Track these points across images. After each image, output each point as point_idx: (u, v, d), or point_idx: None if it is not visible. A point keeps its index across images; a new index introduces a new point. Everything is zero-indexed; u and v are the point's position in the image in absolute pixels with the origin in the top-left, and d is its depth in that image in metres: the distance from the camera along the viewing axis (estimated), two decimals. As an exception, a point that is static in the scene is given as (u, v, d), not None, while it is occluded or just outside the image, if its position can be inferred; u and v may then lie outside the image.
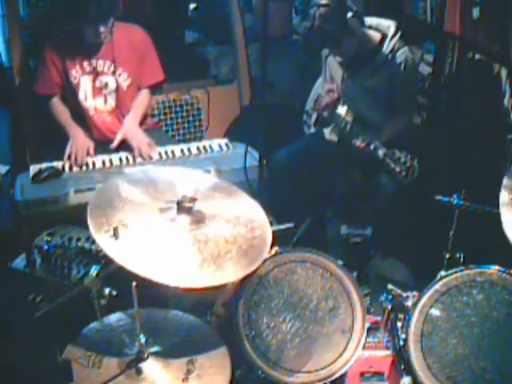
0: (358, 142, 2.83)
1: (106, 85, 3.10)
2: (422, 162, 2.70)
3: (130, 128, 3.11)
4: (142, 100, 3.22)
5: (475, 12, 3.19)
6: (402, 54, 2.92)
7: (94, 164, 3.01)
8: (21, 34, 3.37)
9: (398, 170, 2.64)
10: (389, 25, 2.96)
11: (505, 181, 2.05)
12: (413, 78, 3.05)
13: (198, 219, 1.92)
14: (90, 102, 3.12)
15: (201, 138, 3.77)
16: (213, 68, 4.16)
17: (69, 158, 3.01)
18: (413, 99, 3.15)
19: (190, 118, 3.81)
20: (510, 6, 2.96)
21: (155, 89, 3.35)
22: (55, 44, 3.07)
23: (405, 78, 2.94)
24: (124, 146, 3.10)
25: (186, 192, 1.96)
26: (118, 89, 3.11)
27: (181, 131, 3.79)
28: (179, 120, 3.78)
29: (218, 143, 3.20)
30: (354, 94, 3.06)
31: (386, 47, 2.92)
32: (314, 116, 3.25)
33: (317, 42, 2.89)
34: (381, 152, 2.72)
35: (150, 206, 1.93)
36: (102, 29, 2.88)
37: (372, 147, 2.76)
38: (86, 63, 3.05)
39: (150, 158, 3.02)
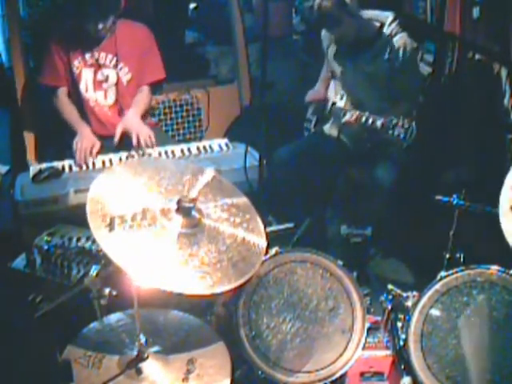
0: (348, 118, 2.86)
1: (107, 78, 3.11)
2: (422, 162, 2.71)
3: (130, 118, 3.12)
4: (143, 96, 3.23)
5: (475, 12, 3.20)
6: (400, 39, 2.96)
7: (93, 164, 3.01)
8: (21, 34, 3.37)
9: (396, 133, 2.66)
10: (387, 15, 3.02)
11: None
12: (412, 62, 3.06)
13: (193, 223, 1.85)
14: (90, 94, 3.13)
15: (201, 138, 3.77)
16: (213, 68, 4.16)
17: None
18: (413, 85, 3.14)
19: (190, 118, 3.81)
20: (510, 6, 2.97)
21: (155, 88, 3.36)
22: (60, 35, 3.09)
23: (404, 63, 2.96)
24: (126, 142, 3.11)
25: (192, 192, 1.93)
26: (118, 83, 3.13)
27: (181, 131, 3.79)
28: (179, 120, 3.78)
29: (218, 143, 3.20)
30: (355, 82, 3.08)
31: (385, 33, 2.96)
32: (314, 120, 3.27)
33: (318, 22, 2.94)
34: (379, 122, 2.75)
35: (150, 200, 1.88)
36: (100, 26, 2.91)
37: (370, 121, 2.79)
38: (88, 55, 3.07)
39: (149, 146, 3.04)
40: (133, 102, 3.19)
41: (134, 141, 3.05)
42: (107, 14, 2.91)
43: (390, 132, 2.67)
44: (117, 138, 3.08)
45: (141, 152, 3.02)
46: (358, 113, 2.84)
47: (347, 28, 2.93)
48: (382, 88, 3.02)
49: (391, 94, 3.02)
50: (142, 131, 3.07)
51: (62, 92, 3.16)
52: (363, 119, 2.81)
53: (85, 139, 3.04)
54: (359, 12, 2.96)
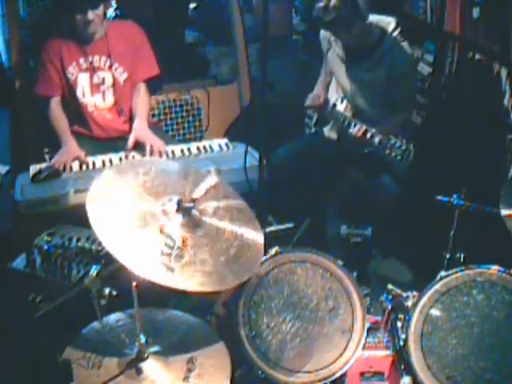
0: (355, 131, 2.82)
1: (104, 80, 3.10)
2: (422, 162, 2.71)
3: (141, 131, 3.12)
4: (143, 96, 3.22)
5: (475, 12, 3.19)
6: (401, 50, 2.92)
7: (94, 164, 3.01)
8: (21, 33, 3.37)
9: (393, 154, 2.65)
10: (389, 21, 2.98)
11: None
12: (411, 73, 3.04)
13: (193, 223, 1.81)
14: (88, 98, 3.13)
15: (201, 138, 3.77)
16: (213, 68, 4.16)
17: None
18: (411, 95, 3.14)
19: (190, 118, 3.81)
20: (510, 6, 2.96)
21: (154, 86, 3.35)
22: (51, 42, 3.07)
23: (403, 74, 2.94)
24: (137, 146, 3.11)
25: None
26: (115, 84, 3.12)
27: (181, 131, 3.79)
28: (179, 120, 3.78)
29: (218, 143, 3.20)
30: (353, 88, 3.06)
31: (387, 41, 2.93)
32: (315, 117, 3.26)
33: (331, 24, 2.86)
34: (377, 139, 2.73)
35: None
36: (90, 15, 2.87)
37: (368, 135, 2.77)
38: (82, 59, 3.06)
39: (160, 157, 3.03)
40: (135, 108, 3.18)
41: (149, 151, 3.04)
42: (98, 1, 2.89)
43: (387, 151, 2.66)
44: (130, 147, 3.08)
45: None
46: (364, 127, 2.79)
47: (355, 32, 2.86)
48: (379, 95, 3.00)
49: (388, 102, 3.00)
50: (155, 143, 3.06)
51: (55, 102, 3.13)
52: (368, 135, 2.77)
53: (66, 154, 3.03)
54: (368, 16, 2.88)
